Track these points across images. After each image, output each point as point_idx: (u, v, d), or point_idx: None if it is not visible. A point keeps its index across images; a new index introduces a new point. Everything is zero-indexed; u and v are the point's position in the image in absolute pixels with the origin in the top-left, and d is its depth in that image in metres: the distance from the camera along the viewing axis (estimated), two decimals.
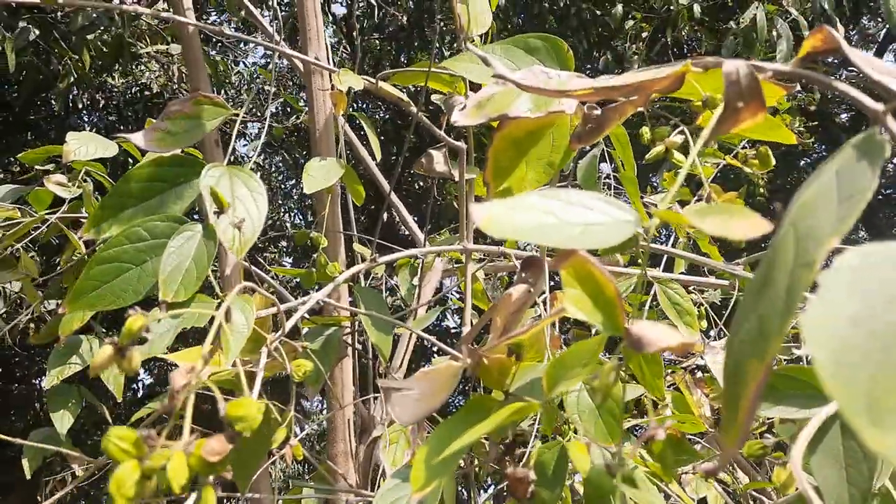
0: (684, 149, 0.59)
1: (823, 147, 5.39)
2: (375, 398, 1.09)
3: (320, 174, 0.84)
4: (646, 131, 0.57)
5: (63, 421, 1.11)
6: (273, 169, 6.10)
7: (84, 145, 1.07)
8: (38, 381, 4.95)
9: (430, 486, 0.49)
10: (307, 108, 1.07)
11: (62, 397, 1.13)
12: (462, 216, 0.84)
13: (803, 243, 0.26)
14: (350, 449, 1.00)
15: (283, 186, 6.31)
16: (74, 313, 1.03)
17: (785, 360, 0.93)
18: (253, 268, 1.03)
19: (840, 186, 0.27)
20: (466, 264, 0.86)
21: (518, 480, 0.47)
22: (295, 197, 6.34)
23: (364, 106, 5.49)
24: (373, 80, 0.83)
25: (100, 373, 0.39)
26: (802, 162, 5.64)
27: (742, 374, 0.26)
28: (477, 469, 1.32)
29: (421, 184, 5.46)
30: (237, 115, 0.78)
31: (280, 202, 6.13)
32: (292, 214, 6.33)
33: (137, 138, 0.75)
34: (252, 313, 0.63)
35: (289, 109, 5.10)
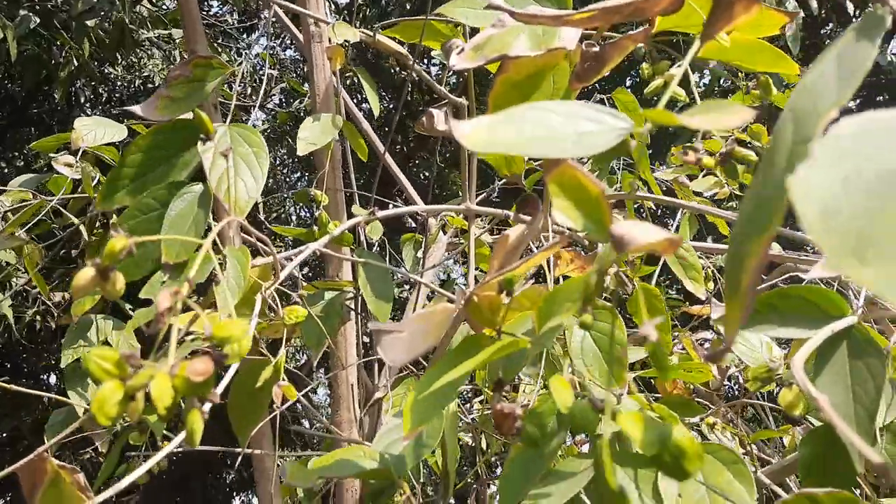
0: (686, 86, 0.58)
1: None
2: (380, 367, 1.08)
3: (313, 134, 0.83)
4: (646, 67, 0.56)
5: (81, 398, 1.11)
6: (278, 161, 6.08)
7: (92, 130, 1.08)
8: (45, 377, 4.95)
9: (420, 426, 0.48)
10: (308, 83, 1.06)
11: (79, 375, 1.14)
12: (464, 176, 0.83)
13: (802, 122, 0.25)
14: (354, 416, 0.99)
15: (287, 179, 6.30)
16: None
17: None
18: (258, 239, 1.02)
19: (840, 65, 0.26)
20: (470, 225, 0.85)
21: (504, 415, 0.45)
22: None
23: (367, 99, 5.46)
24: (370, 33, 0.82)
25: (82, 297, 0.38)
26: None
27: (743, 254, 0.25)
28: (485, 447, 1.31)
29: (426, 174, 5.45)
30: (235, 73, 0.78)
31: (285, 195, 6.11)
32: (298, 207, 6.32)
33: (140, 109, 0.75)
34: (247, 264, 0.62)
35: (293, 99, 5.09)
